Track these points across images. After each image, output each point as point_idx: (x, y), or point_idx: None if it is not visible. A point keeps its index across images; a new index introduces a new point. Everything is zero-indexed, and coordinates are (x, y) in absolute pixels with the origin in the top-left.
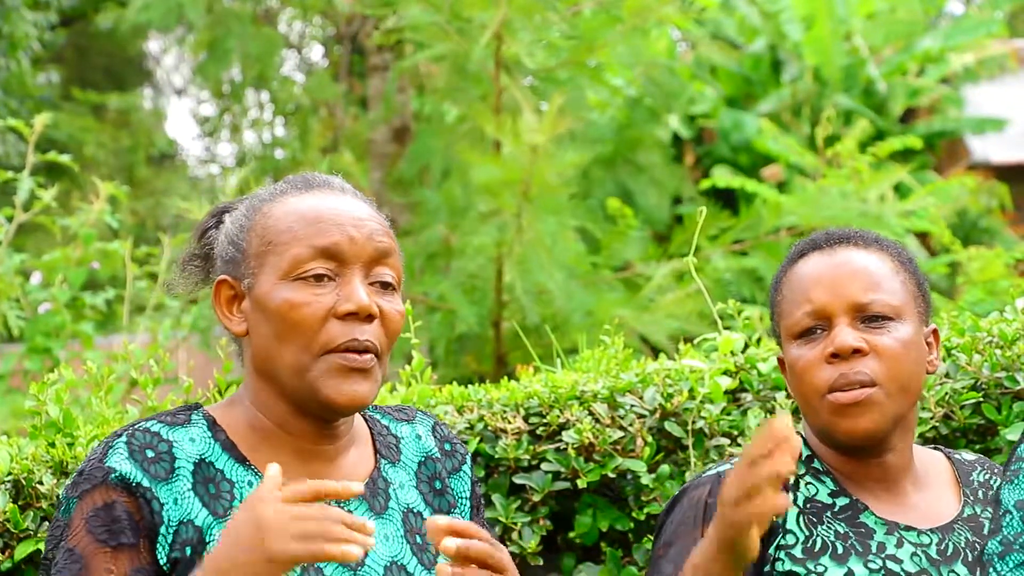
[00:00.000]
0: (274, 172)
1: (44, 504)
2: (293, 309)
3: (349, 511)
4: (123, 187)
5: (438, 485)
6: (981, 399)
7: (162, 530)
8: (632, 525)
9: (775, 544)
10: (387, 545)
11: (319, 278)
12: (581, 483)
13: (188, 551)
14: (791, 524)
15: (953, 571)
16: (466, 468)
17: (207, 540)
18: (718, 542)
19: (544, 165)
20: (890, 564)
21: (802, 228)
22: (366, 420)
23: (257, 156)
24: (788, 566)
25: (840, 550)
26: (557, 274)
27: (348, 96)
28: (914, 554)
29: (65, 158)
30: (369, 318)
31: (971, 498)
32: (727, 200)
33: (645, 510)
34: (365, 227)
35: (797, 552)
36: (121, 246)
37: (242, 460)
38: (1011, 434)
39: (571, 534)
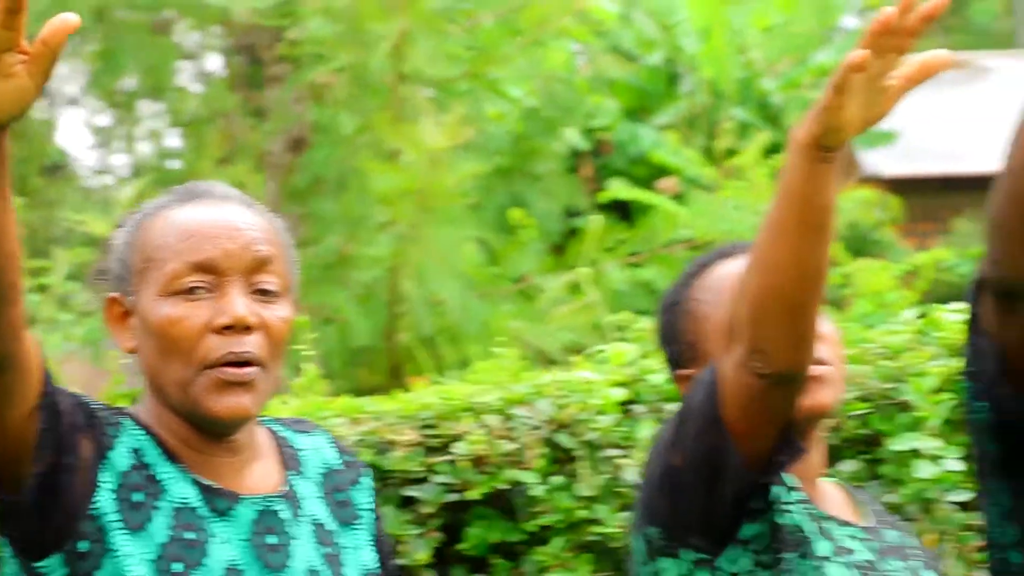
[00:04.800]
0: (170, 183)
1: None
2: (171, 325)
3: (274, 511)
4: (18, 199)
5: (340, 497)
6: (869, 410)
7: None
8: (523, 537)
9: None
10: (304, 550)
11: (193, 291)
12: (472, 495)
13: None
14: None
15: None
16: (366, 480)
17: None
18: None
19: (442, 174)
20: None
21: (698, 241)
22: (269, 432)
23: (152, 167)
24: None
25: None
26: (453, 285)
27: (245, 107)
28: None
29: None
30: (248, 329)
31: None
32: (624, 213)
33: (536, 522)
34: (241, 237)
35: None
36: None
37: (172, 457)
38: (897, 445)
39: (461, 546)
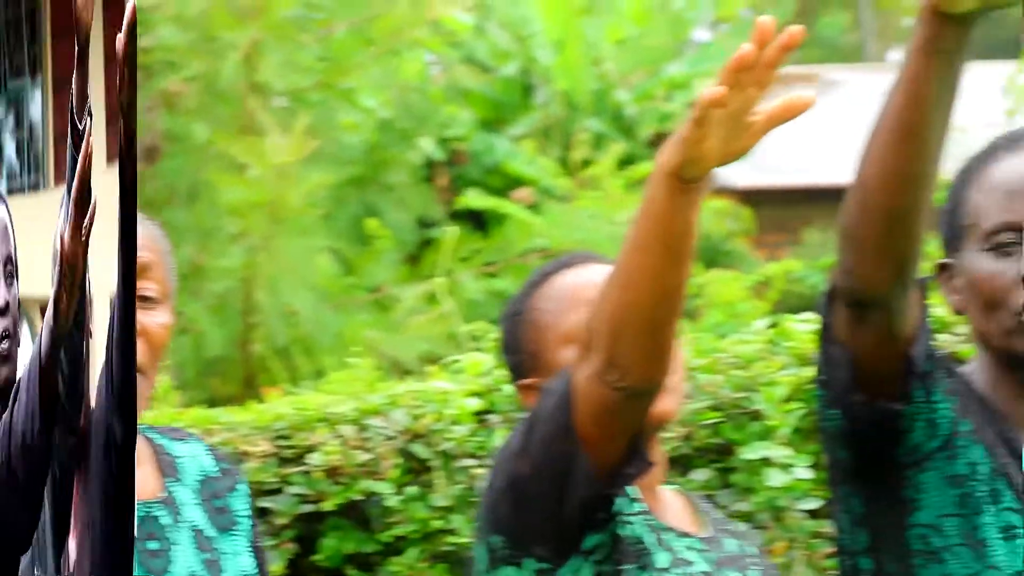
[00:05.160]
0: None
1: None
2: None
3: (154, 517)
4: None
5: (218, 504)
6: (720, 419)
7: None
8: (378, 548)
9: None
10: (185, 556)
11: None
12: (327, 506)
13: None
14: None
15: None
16: (243, 487)
17: None
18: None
19: (291, 186)
20: None
21: (553, 251)
22: (145, 439)
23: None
24: None
25: None
26: (306, 295)
27: None
28: None
29: None
30: None
31: None
32: (479, 223)
33: (391, 532)
34: None
35: None
36: None
37: None
38: (748, 454)
39: (316, 557)
